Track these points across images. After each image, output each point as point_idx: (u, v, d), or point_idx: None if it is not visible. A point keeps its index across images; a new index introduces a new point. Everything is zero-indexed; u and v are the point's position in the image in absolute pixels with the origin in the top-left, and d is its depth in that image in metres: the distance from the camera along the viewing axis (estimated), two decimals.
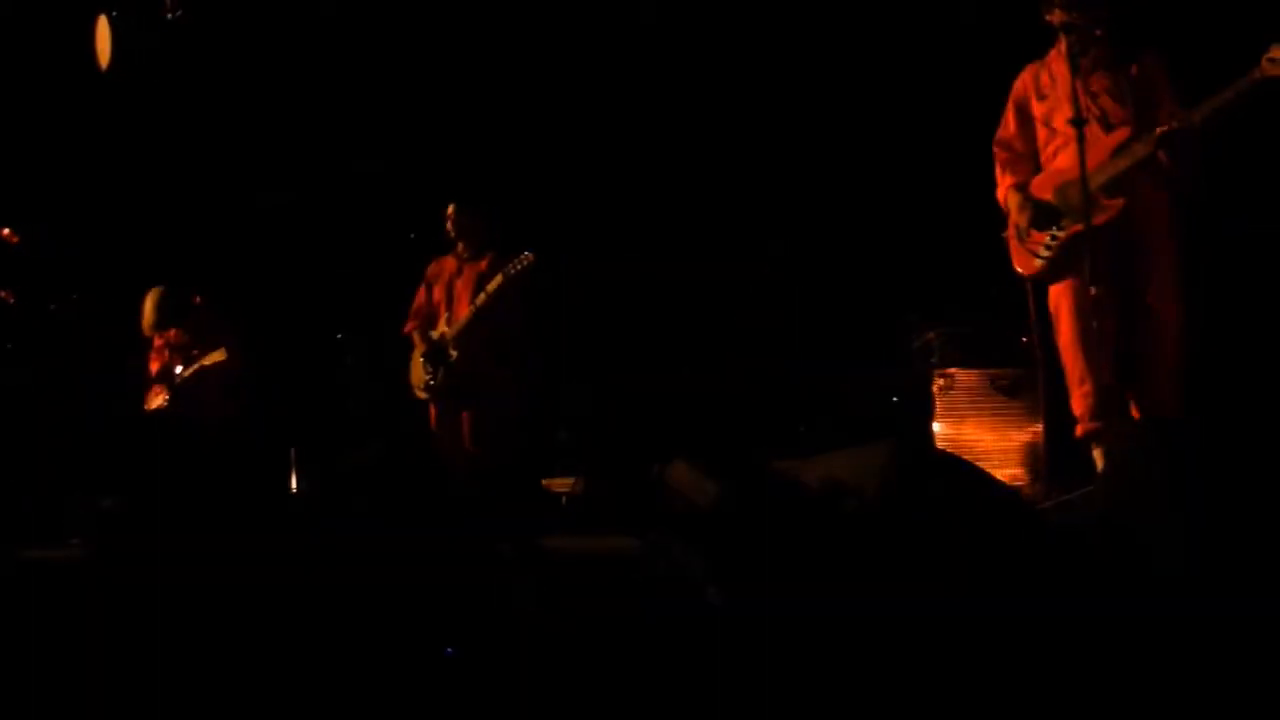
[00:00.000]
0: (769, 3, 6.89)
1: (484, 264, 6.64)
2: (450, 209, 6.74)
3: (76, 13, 7.01)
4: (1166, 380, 4.51)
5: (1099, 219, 4.37)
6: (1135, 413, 4.52)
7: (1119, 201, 4.42)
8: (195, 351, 6.98)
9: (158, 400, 7.09)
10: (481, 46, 7.48)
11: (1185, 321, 4.53)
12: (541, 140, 7.48)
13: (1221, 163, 4.48)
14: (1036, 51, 4.87)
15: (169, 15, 6.70)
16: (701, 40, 7.04)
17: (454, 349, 6.57)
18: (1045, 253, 4.64)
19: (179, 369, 7.04)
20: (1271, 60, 4.02)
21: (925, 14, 6.40)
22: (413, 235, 6.75)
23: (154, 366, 7.20)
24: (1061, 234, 4.58)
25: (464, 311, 6.55)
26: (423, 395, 6.71)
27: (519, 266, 6.36)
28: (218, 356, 6.79)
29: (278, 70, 7.55)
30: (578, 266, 6.95)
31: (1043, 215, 4.65)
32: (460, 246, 6.77)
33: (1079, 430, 4.63)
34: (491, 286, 6.44)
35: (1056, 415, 4.91)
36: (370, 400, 7.08)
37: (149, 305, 7.15)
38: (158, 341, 7.21)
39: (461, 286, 6.68)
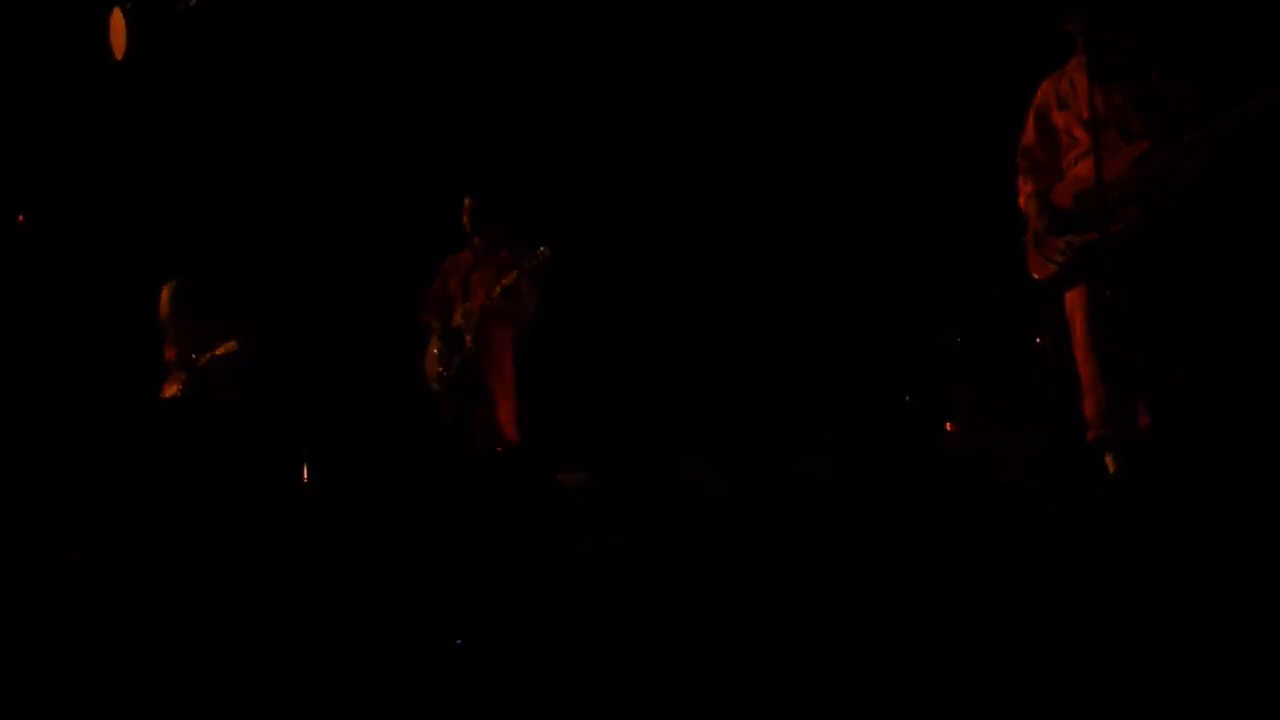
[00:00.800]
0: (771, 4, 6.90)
1: (500, 257, 6.66)
2: (467, 202, 6.75)
3: (90, 5, 7.03)
4: (1174, 390, 4.50)
5: (1115, 227, 4.36)
6: (1144, 421, 4.51)
7: (1134, 211, 4.41)
8: (212, 341, 7.03)
9: (173, 388, 7.12)
10: (488, 45, 7.49)
11: (1196, 332, 4.52)
12: (551, 138, 7.50)
13: (1244, 162, 4.45)
14: (1045, 55, 4.86)
15: (183, 6, 6.71)
16: (705, 41, 7.05)
17: (470, 341, 6.58)
18: (1059, 258, 4.64)
19: (194, 357, 7.10)
20: None
21: (929, 16, 6.40)
22: (432, 236, 6.75)
23: (169, 355, 7.24)
24: (1077, 240, 4.57)
25: (480, 304, 6.57)
26: (437, 386, 6.72)
27: (535, 261, 6.38)
28: (230, 347, 6.82)
29: (291, 62, 7.57)
30: (587, 261, 6.96)
31: (1060, 222, 4.64)
32: (476, 240, 6.78)
33: (1090, 435, 4.62)
34: (507, 280, 6.46)
35: (1070, 419, 4.90)
36: (382, 391, 7.09)
37: (166, 295, 7.20)
38: (173, 331, 7.26)
39: (478, 280, 6.69)
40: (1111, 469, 4.54)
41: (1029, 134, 4.90)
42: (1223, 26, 5.11)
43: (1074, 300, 4.69)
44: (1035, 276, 4.82)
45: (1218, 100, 4.32)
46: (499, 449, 6.45)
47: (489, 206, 6.75)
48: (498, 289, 6.49)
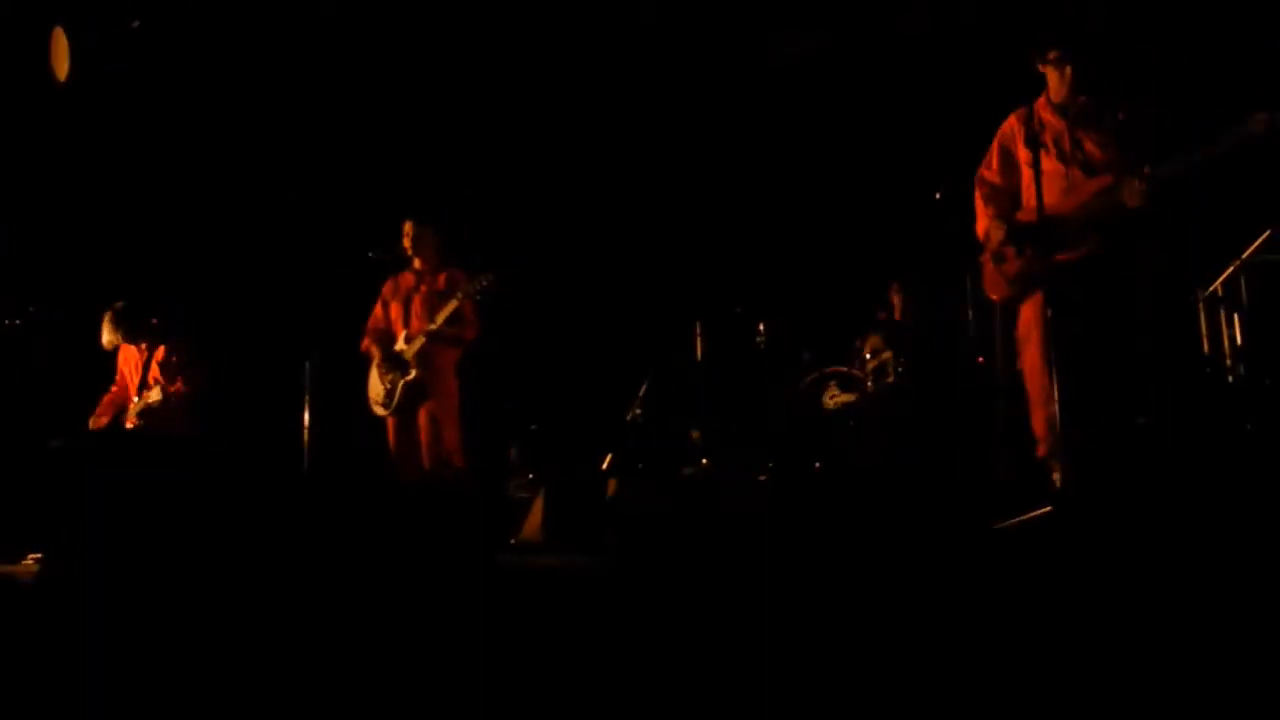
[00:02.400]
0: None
1: (441, 280, 6.63)
2: (407, 225, 6.73)
3: (34, 24, 6.95)
4: (1134, 407, 4.57)
5: (1073, 253, 4.47)
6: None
7: (1095, 239, 4.50)
8: (164, 367, 7.06)
9: (128, 420, 7.08)
10: (437, 66, 7.52)
11: (1158, 357, 4.59)
12: (498, 156, 7.53)
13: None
14: (1010, 96, 4.98)
15: (126, 26, 6.64)
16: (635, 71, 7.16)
17: (414, 366, 6.53)
18: (1018, 270, 4.71)
19: (143, 393, 7.10)
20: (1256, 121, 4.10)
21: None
22: (371, 254, 6.68)
23: (124, 371, 7.21)
24: (1037, 258, 4.63)
25: (421, 328, 6.53)
26: (381, 411, 6.66)
27: (478, 286, 6.35)
28: (153, 397, 6.85)
29: (236, 84, 7.55)
30: (521, 279, 6.99)
31: (1021, 234, 4.71)
32: (417, 262, 6.75)
33: (1040, 450, 4.68)
34: (450, 306, 6.43)
35: (1017, 435, 4.97)
36: (330, 417, 7.03)
37: (106, 322, 7.14)
38: (122, 355, 7.22)
39: (420, 303, 6.64)
40: (1059, 484, 4.60)
41: (992, 163, 4.99)
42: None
43: (1029, 320, 4.76)
44: (993, 297, 4.91)
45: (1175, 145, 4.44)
46: (448, 474, 6.41)
47: (429, 229, 6.74)
48: (441, 315, 6.46)
